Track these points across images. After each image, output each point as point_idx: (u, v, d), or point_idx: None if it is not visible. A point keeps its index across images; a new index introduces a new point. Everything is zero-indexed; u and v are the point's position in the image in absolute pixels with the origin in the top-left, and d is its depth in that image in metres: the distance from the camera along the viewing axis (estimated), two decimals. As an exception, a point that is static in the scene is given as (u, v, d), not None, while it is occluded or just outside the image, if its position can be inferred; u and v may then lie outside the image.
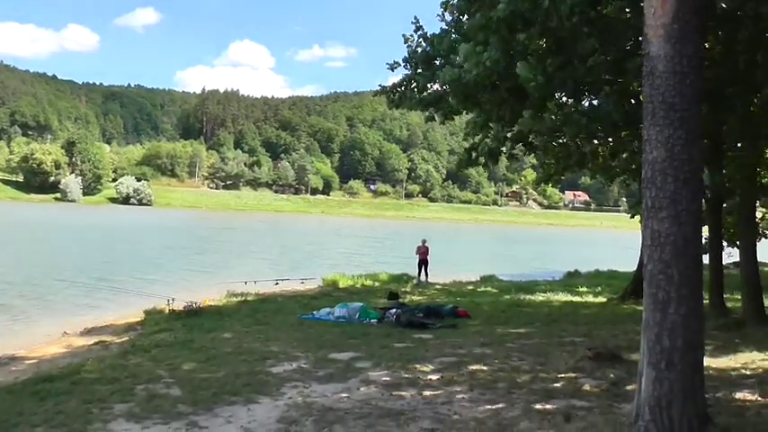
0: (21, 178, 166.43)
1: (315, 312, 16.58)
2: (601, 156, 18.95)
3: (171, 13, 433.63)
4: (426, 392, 8.86)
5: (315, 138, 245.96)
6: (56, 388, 9.11)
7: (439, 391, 8.92)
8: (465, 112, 15.25)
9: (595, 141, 17.43)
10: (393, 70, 15.93)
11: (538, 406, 8.02)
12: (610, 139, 17.49)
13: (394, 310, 16.04)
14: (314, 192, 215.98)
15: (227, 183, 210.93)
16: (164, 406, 8.23)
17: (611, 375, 9.41)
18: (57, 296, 24.70)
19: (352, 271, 29.58)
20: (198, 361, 10.97)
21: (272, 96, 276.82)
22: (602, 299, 21.33)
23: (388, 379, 9.69)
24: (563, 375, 9.65)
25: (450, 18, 14.95)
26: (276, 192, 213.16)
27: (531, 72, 10.85)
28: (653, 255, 6.04)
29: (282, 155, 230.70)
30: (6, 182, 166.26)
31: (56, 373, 10.18)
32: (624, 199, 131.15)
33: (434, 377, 9.78)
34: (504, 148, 15.59)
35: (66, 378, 9.73)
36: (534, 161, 29.05)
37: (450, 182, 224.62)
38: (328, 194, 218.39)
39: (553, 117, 13.56)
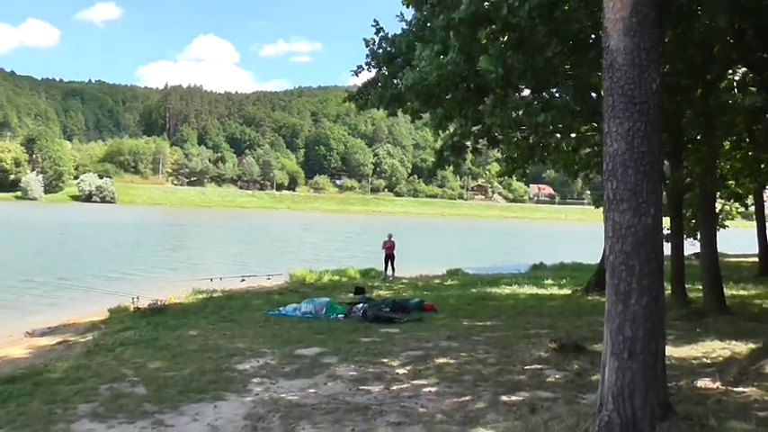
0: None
1: (281, 308, 16.52)
2: (564, 150, 19.19)
3: (132, 8, 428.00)
4: (393, 387, 8.89)
5: (280, 133, 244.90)
6: (18, 389, 8.95)
7: (406, 385, 8.96)
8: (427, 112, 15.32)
9: (558, 135, 17.64)
10: (357, 75, 15.96)
11: (504, 398, 8.11)
12: (572, 135, 17.72)
13: (360, 305, 16.06)
14: (279, 187, 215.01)
15: (192, 179, 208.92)
16: (128, 405, 8.14)
17: (576, 366, 9.54)
18: (18, 296, 24.17)
19: (319, 266, 29.54)
20: (163, 359, 10.87)
21: (236, 92, 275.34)
22: (566, 291, 21.59)
23: (354, 374, 9.71)
24: (528, 367, 9.76)
25: (411, 17, 14.99)
26: (241, 188, 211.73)
27: (492, 65, 10.91)
28: (614, 246, 6.13)
29: (247, 150, 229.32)
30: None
31: (18, 375, 9.99)
32: (588, 192, 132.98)
33: (401, 371, 9.82)
34: (468, 143, 15.69)
35: (29, 379, 9.57)
36: (499, 155, 29.24)
37: (416, 176, 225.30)
38: (294, 190, 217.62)
39: (514, 112, 13.68)
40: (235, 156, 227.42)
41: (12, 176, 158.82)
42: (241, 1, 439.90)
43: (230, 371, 10.00)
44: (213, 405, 8.14)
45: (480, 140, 15.83)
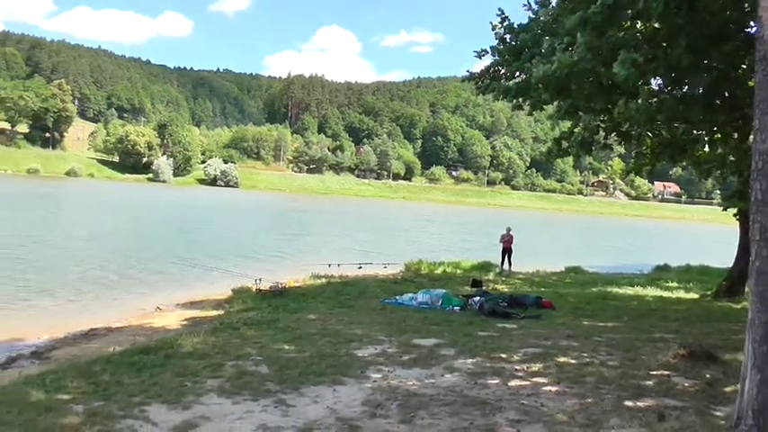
0: (116, 159, 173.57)
1: (397, 297, 16.62)
2: (698, 147, 18.18)
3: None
4: (512, 383, 8.73)
5: (397, 123, 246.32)
6: (151, 360, 9.43)
7: (525, 382, 8.78)
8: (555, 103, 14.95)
9: (694, 132, 16.72)
10: (480, 58, 15.73)
11: (628, 402, 7.79)
12: (707, 131, 16.78)
13: (477, 298, 15.90)
14: (396, 177, 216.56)
15: (311, 167, 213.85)
16: (252, 383, 8.40)
17: (707, 375, 9.03)
18: (150, 272, 25.72)
19: (434, 257, 29.53)
20: (284, 340, 11.16)
21: (356, 81, 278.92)
22: (693, 295, 20.53)
23: (472, 367, 9.60)
24: (654, 372, 9.33)
25: (536, 7, 14.63)
26: (358, 176, 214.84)
27: (624, 67, 10.47)
28: (761, 251, 5.73)
29: (365, 140, 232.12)
30: (103, 162, 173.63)
31: (151, 346, 10.55)
32: (718, 191, 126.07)
33: (519, 368, 9.62)
34: (596, 138, 15.17)
35: (161, 351, 10.06)
36: (622, 150, 28.16)
37: (534, 170, 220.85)
38: (410, 180, 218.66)
39: (647, 104, 13.10)
40: (353, 145, 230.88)
41: (144, 159, 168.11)
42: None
43: (348, 356, 10.13)
44: (332, 389, 8.27)
45: (610, 135, 15.27)
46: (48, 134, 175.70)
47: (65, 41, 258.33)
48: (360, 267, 25.05)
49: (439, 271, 25.26)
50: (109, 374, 8.70)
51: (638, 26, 11.57)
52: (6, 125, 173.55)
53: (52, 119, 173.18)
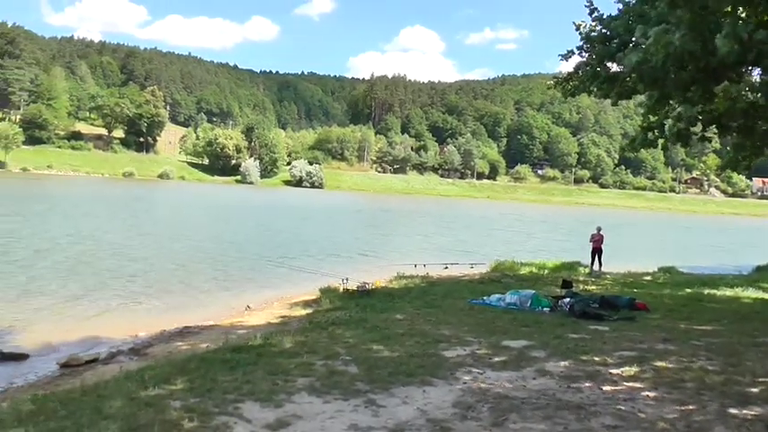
0: (206, 161, 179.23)
1: (485, 298, 16.41)
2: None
3: (345, 2, 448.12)
4: (606, 387, 8.46)
5: (481, 122, 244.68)
6: (243, 358, 9.61)
7: (620, 387, 8.49)
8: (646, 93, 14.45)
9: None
10: (567, 59, 15.40)
11: (733, 410, 7.41)
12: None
13: (567, 299, 15.52)
14: (480, 176, 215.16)
15: (395, 167, 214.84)
16: (342, 382, 8.44)
17: (819, 382, 8.53)
18: (240, 271, 26.37)
19: (521, 257, 29.12)
20: (372, 340, 11.17)
21: (439, 81, 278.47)
22: (799, 297, 19.44)
23: (564, 370, 9.36)
24: (761, 380, 8.86)
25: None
26: (442, 176, 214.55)
27: (728, 43, 9.94)
28: None
29: (449, 139, 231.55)
30: (194, 165, 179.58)
31: (243, 345, 10.77)
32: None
33: (614, 371, 9.32)
34: (694, 130, 14.53)
35: (253, 350, 10.25)
36: (717, 145, 26.94)
37: (623, 167, 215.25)
38: (494, 179, 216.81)
39: (751, 94, 12.45)
40: (436, 144, 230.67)
41: (233, 161, 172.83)
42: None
43: (437, 357, 10.06)
44: (422, 389, 8.21)
45: (709, 128, 14.59)
46: (141, 139, 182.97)
47: (157, 49, 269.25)
48: (446, 267, 24.92)
49: (525, 271, 24.83)
50: (203, 372, 8.91)
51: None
52: (103, 131, 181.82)
53: (146, 124, 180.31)
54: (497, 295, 16.33)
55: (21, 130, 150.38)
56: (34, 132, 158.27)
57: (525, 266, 25.66)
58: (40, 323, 16.16)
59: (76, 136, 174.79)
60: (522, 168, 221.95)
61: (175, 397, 7.67)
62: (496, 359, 10.02)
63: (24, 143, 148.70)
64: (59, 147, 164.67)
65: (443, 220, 75.42)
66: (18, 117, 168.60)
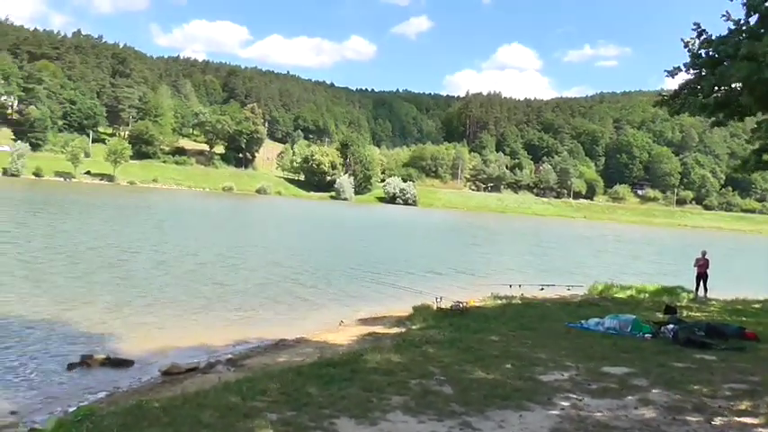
0: (302, 177, 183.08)
1: (582, 322, 15.93)
2: None
3: (442, 20, 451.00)
4: (716, 421, 8.02)
5: (578, 140, 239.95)
6: (338, 374, 9.67)
7: (731, 421, 8.04)
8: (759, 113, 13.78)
9: None
10: (673, 77, 14.88)
11: None
12: None
13: (670, 325, 14.88)
14: (576, 196, 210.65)
15: (489, 185, 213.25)
16: (437, 403, 8.35)
17: None
18: (334, 287, 26.67)
19: (619, 280, 28.17)
20: (467, 361, 11.01)
21: (535, 98, 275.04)
22: None
23: (668, 401, 8.95)
24: None
25: (744, 17, 13.59)
26: (537, 195, 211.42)
27: None
28: None
29: (544, 157, 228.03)
30: (290, 180, 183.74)
31: (337, 360, 10.83)
32: None
33: (723, 404, 8.83)
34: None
35: (347, 365, 10.29)
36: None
37: (730, 188, 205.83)
38: (592, 199, 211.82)
39: None
40: (532, 162, 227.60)
41: (328, 178, 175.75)
42: (548, 8, 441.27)
43: (533, 381, 9.81)
44: (518, 414, 8.03)
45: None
46: (241, 154, 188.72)
47: (257, 68, 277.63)
48: (542, 289, 24.44)
49: (624, 295, 23.97)
50: (299, 385, 9.02)
51: None
52: (205, 146, 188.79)
53: (245, 140, 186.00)
54: (596, 319, 15.83)
55: (129, 145, 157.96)
56: (141, 148, 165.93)
57: (624, 290, 24.77)
58: (144, 331, 16.82)
59: (180, 151, 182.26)
60: (622, 188, 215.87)
61: (272, 409, 7.79)
62: (595, 386, 9.68)
63: (132, 158, 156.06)
64: (164, 161, 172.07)
65: (539, 240, 74.15)
66: (127, 133, 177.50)
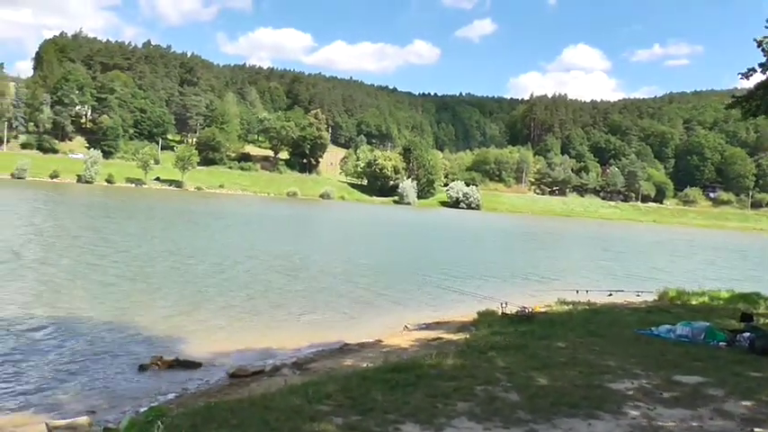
0: (365, 182, 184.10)
1: (653, 328, 15.48)
2: None
3: (507, 23, 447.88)
4: (798, 434, 7.68)
5: (647, 142, 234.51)
6: (403, 379, 9.63)
7: (815, 435, 7.68)
8: None
9: None
10: (747, 78, 14.38)
11: None
12: None
13: (747, 333, 14.32)
14: (644, 199, 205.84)
15: (554, 188, 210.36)
16: (503, 410, 8.23)
17: None
18: (398, 291, 26.71)
19: (691, 286, 27.32)
20: (533, 368, 10.83)
21: (602, 100, 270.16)
22: None
23: (746, 412, 8.60)
24: None
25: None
26: (604, 198, 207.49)
27: None
28: None
29: (611, 160, 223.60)
30: (353, 185, 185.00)
31: (402, 365, 10.79)
32: None
33: (807, 417, 8.45)
34: None
35: (412, 370, 10.24)
36: None
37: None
38: (661, 202, 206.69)
39: None
40: (598, 165, 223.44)
41: (391, 182, 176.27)
42: (615, 7, 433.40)
43: (602, 389, 9.57)
44: (587, 423, 7.85)
45: None
46: (305, 160, 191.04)
47: (321, 74, 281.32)
48: (610, 294, 23.84)
49: (697, 301, 23.20)
50: (364, 390, 9.02)
51: None
52: (270, 152, 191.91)
53: (309, 146, 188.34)
54: (667, 326, 15.36)
55: (196, 151, 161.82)
56: (208, 154, 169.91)
57: (697, 296, 23.99)
58: (211, 333, 17.18)
59: (245, 157, 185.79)
60: (692, 191, 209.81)
61: (337, 413, 7.82)
62: (667, 395, 9.38)
63: (199, 164, 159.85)
64: (230, 167, 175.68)
65: (606, 244, 72.64)
66: (194, 140, 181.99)
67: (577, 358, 11.90)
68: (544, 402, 8.62)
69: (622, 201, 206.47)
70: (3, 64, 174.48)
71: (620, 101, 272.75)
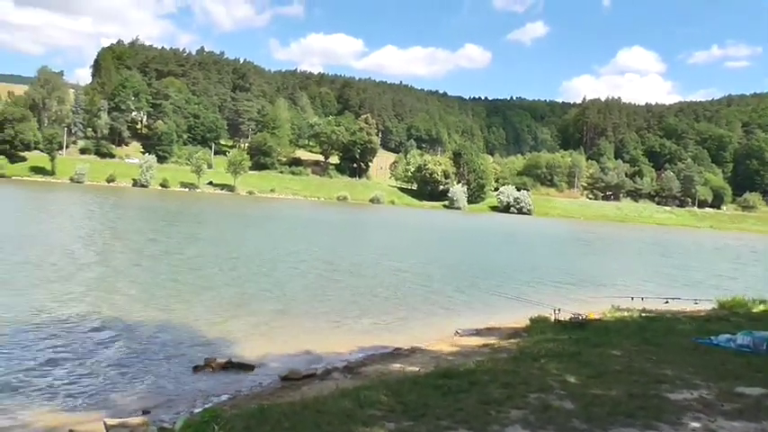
0: (414, 187, 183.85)
1: (712, 338, 15.05)
2: None
3: (559, 25, 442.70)
4: None
5: (703, 146, 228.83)
6: (455, 385, 9.56)
7: None
8: None
9: None
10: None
11: None
12: None
13: (812, 343, 13.83)
14: (701, 204, 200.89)
15: (607, 193, 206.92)
16: (557, 418, 8.09)
17: None
18: (449, 296, 26.57)
19: (752, 294, 26.52)
20: (587, 375, 10.63)
21: (657, 103, 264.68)
22: None
23: (814, 425, 8.29)
24: None
25: None
26: (659, 203, 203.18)
27: None
28: None
29: (666, 164, 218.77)
30: (403, 190, 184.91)
31: (454, 371, 10.73)
32: None
33: None
34: None
35: (464, 377, 10.17)
36: None
37: None
38: (718, 208, 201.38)
39: None
40: (653, 170, 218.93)
41: (441, 187, 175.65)
42: (672, 8, 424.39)
43: (659, 399, 9.34)
44: (644, 434, 7.66)
45: None
46: (355, 164, 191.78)
47: (371, 79, 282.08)
48: (666, 302, 23.34)
49: (759, 310, 22.51)
50: (416, 395, 8.98)
51: None
52: (320, 157, 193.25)
53: (359, 150, 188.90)
54: (727, 335, 14.91)
55: (248, 156, 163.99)
56: (260, 159, 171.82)
57: (758, 304, 23.28)
58: (263, 336, 17.36)
59: (296, 162, 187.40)
60: (752, 196, 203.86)
61: (389, 418, 7.79)
62: (729, 407, 9.09)
63: (251, 168, 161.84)
64: (281, 172, 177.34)
65: (661, 250, 71.14)
66: (246, 145, 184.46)
67: (633, 367, 11.64)
68: (600, 411, 8.45)
69: (678, 206, 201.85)
70: (63, 72, 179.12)
71: (675, 104, 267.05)
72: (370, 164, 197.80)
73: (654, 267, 48.26)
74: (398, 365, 13.90)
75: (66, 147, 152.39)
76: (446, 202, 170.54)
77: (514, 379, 10.15)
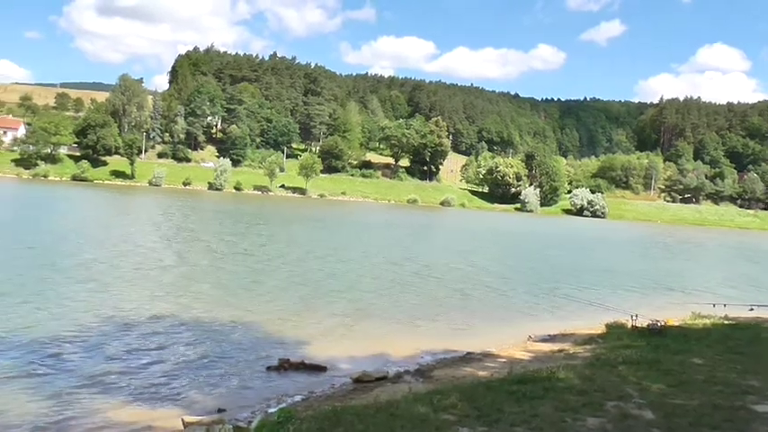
0: (486, 189, 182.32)
1: (801, 347, 14.38)
2: None
3: (636, 24, 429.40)
4: None
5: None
6: (530, 391, 9.39)
7: None
8: None
9: None
10: None
11: None
12: None
13: None
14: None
15: (685, 196, 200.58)
16: (636, 427, 7.88)
17: None
18: (522, 300, 26.22)
19: None
20: (668, 384, 10.29)
21: (739, 102, 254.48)
22: None
23: None
24: None
25: None
26: (741, 206, 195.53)
27: None
28: None
29: (749, 166, 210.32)
30: (474, 192, 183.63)
31: (528, 376, 10.55)
32: None
33: None
34: None
35: (539, 383, 9.98)
36: None
37: None
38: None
39: None
40: (735, 171, 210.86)
41: (512, 190, 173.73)
42: (757, 4, 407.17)
43: (746, 411, 8.94)
44: (732, 447, 7.34)
45: None
46: (425, 167, 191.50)
47: (441, 82, 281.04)
48: (751, 309, 22.38)
49: None
50: (490, 400, 8.87)
51: None
52: (391, 160, 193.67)
53: (429, 153, 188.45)
54: (818, 345, 14.22)
55: (319, 159, 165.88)
56: (330, 162, 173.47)
57: None
58: (335, 338, 17.51)
59: (367, 165, 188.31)
60: None
61: (463, 423, 7.72)
62: (822, 421, 8.63)
63: (322, 171, 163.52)
64: (352, 175, 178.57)
65: (745, 255, 68.49)
66: (317, 148, 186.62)
67: (716, 376, 11.20)
68: (682, 422, 8.16)
69: (762, 209, 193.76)
70: (142, 78, 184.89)
71: (760, 102, 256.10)
72: (440, 166, 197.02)
73: (736, 272, 46.45)
74: (470, 370, 13.77)
75: (145, 151, 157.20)
76: (518, 205, 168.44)
77: (591, 386, 9.91)
